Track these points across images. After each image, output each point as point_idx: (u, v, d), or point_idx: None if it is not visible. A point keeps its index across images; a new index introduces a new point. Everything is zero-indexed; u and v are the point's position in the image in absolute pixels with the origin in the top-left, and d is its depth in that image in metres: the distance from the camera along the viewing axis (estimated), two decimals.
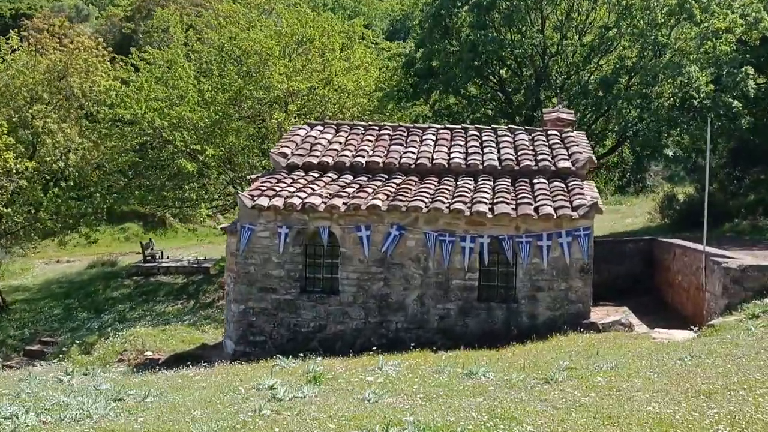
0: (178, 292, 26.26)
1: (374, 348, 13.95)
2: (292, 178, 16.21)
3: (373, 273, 14.81)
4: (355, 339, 14.73)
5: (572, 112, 20.73)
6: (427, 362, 11.60)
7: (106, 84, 24.60)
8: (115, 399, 9.19)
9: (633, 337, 12.62)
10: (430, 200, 14.88)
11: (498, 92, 27.63)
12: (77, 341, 20.65)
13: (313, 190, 15.44)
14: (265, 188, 15.52)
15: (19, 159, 21.23)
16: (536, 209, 14.40)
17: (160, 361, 18.38)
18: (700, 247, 15.30)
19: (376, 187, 15.70)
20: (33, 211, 25.08)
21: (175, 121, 23.96)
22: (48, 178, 25.35)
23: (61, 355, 19.87)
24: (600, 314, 15.48)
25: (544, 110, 21.00)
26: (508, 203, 14.62)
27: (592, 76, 25.47)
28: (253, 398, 8.65)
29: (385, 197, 15.06)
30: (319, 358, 12.63)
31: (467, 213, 14.41)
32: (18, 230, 25.98)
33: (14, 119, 23.31)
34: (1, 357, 20.78)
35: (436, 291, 14.71)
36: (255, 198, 15.10)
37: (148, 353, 19.71)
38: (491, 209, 14.46)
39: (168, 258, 32.31)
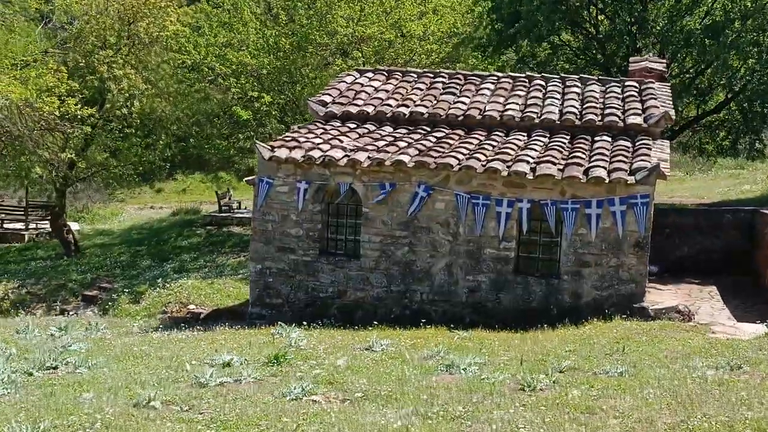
0: (245, 244, 25.64)
1: (394, 319, 12.61)
2: (324, 129, 14.79)
3: (397, 237, 13.21)
4: (376, 308, 13.25)
5: (664, 61, 17.97)
6: (427, 343, 10.05)
7: (174, 29, 23.98)
8: (47, 367, 8.37)
9: (685, 330, 10.44)
10: (466, 157, 13.04)
11: (592, 40, 24.80)
12: (127, 290, 20.41)
13: (341, 142, 13.96)
14: (288, 139, 14.20)
15: (79, 105, 20.95)
16: (586, 171, 12.26)
17: (201, 316, 17.81)
18: None
19: (412, 141, 14.00)
20: (106, 159, 25.10)
21: (234, 67, 23.04)
22: (121, 125, 25.21)
23: (110, 303, 19.73)
24: (663, 296, 13.26)
25: (631, 59, 18.33)
26: (554, 163, 12.53)
27: (700, 22, 22.22)
28: (177, 382, 7.48)
29: (417, 152, 13.34)
30: (302, 331, 11.40)
31: (504, 173, 12.47)
32: (88, 177, 26.12)
33: (81, 64, 23.12)
34: (60, 301, 20.94)
35: (467, 260, 12.92)
36: (274, 149, 13.81)
37: (191, 306, 19.15)
38: (533, 169, 12.45)
39: (246, 209, 32.01)
